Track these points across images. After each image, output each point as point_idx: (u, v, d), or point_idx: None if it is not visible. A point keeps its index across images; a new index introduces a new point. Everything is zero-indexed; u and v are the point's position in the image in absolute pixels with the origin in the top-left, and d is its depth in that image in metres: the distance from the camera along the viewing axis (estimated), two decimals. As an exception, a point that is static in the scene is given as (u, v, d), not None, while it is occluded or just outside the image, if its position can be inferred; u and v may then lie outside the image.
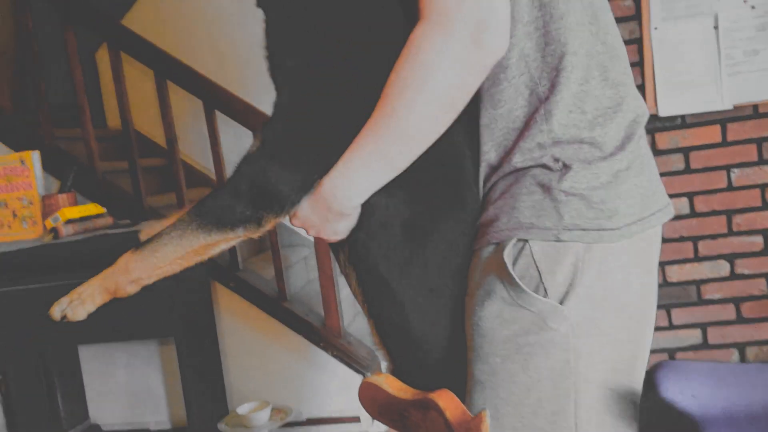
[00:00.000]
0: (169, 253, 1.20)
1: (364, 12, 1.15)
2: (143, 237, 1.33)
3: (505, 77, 1.08)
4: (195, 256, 1.21)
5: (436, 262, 1.15)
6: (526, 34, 1.06)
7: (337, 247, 1.22)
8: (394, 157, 1.06)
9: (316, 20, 1.16)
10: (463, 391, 1.12)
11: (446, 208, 1.15)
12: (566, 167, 1.04)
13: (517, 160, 1.07)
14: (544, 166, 1.06)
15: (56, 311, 1.28)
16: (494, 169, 1.11)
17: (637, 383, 1.14)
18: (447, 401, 0.81)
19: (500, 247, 1.07)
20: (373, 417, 0.98)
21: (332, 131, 1.13)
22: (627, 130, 1.08)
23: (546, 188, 1.05)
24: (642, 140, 1.12)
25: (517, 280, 1.04)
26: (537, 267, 1.04)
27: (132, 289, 1.25)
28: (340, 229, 1.15)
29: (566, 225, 1.03)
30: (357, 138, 1.06)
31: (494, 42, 0.98)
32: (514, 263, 1.05)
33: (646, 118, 1.13)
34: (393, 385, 0.91)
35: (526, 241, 1.05)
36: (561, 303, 1.04)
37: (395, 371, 1.17)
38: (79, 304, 1.27)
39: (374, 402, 0.94)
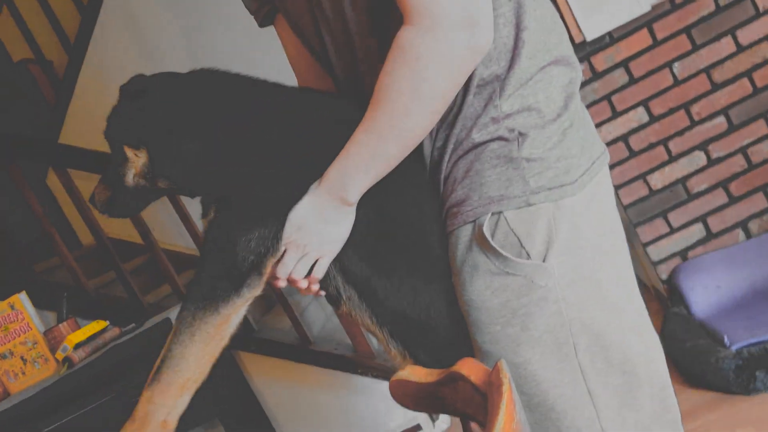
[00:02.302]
0: (191, 358, 1.16)
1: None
2: None
3: None
4: (216, 347, 1.19)
5: (417, 249, 1.20)
6: None
7: (326, 280, 1.24)
8: (393, 154, 1.11)
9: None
10: None
11: (410, 197, 1.20)
12: (522, 135, 1.10)
13: (476, 135, 1.12)
14: (501, 138, 1.11)
15: None
16: (455, 146, 1.15)
17: (632, 305, 1.19)
18: (469, 368, 0.84)
19: (477, 224, 1.12)
20: (412, 409, 1.01)
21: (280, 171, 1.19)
22: (566, 91, 1.15)
23: (507, 159, 1.11)
24: (578, 98, 1.18)
25: (500, 250, 1.09)
26: (515, 234, 1.10)
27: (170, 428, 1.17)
28: (340, 231, 1.17)
29: (533, 189, 1.09)
30: (355, 137, 1.11)
31: (483, 39, 1.03)
32: (492, 235, 1.11)
33: (580, 79, 1.19)
34: (417, 373, 0.94)
35: (500, 212, 1.10)
36: (543, 261, 1.10)
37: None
38: None
39: (407, 396, 0.97)
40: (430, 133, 1.17)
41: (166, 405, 1.16)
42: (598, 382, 1.13)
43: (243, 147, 1.22)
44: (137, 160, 1.28)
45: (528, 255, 1.10)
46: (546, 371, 1.12)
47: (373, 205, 1.19)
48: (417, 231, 1.20)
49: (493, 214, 1.11)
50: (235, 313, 1.19)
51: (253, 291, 1.19)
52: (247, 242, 1.16)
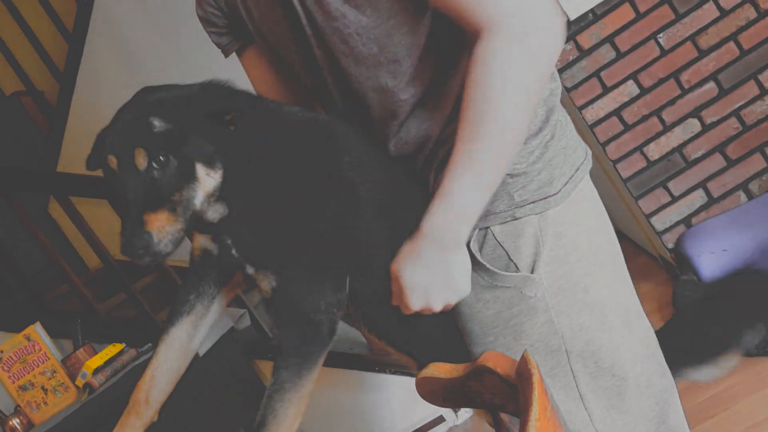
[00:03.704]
0: (297, 415, 1.17)
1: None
2: None
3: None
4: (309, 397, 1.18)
5: None
6: None
7: None
8: (501, 174, 1.05)
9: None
10: None
11: (407, 214, 1.21)
12: None
13: None
14: None
15: None
16: (442, 164, 1.16)
17: (622, 307, 1.21)
18: (494, 360, 0.86)
19: None
20: (440, 406, 1.02)
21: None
22: (548, 104, 1.16)
23: None
24: (559, 108, 1.20)
25: (487, 265, 1.13)
26: (503, 247, 1.13)
27: None
28: (459, 272, 1.10)
29: (517, 203, 1.12)
30: (457, 172, 1.03)
31: (564, 28, 1.00)
32: (480, 249, 1.14)
33: (560, 91, 1.21)
34: (443, 370, 0.95)
35: (487, 227, 1.13)
36: (531, 272, 1.12)
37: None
38: None
39: (434, 393, 0.99)
40: (420, 151, 1.19)
41: None
42: (588, 385, 1.16)
43: (302, 192, 1.19)
44: (209, 181, 1.14)
45: (516, 267, 1.13)
46: None
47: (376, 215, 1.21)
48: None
49: (480, 229, 1.14)
50: (322, 362, 1.19)
51: (334, 339, 1.19)
52: (322, 301, 1.16)
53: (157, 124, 1.12)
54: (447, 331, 1.26)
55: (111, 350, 2.87)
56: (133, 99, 1.20)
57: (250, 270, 1.21)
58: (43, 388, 2.88)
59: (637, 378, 1.18)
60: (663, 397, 1.21)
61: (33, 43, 4.13)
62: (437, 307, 1.10)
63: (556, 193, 1.13)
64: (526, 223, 1.12)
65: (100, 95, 3.88)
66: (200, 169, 1.12)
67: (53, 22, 4.11)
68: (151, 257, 1.10)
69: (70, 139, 4.10)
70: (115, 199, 3.11)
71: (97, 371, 2.74)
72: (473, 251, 1.13)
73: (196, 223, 1.18)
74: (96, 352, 2.92)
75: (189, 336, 1.31)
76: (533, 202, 1.12)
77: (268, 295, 1.20)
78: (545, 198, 1.12)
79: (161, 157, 1.10)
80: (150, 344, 2.98)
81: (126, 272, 3.31)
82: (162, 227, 1.09)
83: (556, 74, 1.22)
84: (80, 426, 2.71)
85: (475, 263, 1.13)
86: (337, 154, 1.20)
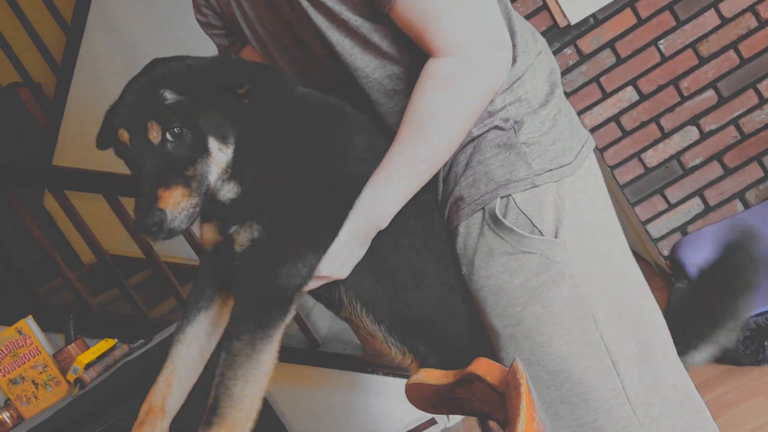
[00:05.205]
0: (255, 394, 1.08)
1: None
2: None
3: None
4: (269, 378, 1.11)
5: (415, 252, 1.23)
6: None
7: (332, 289, 1.24)
8: (428, 177, 1.17)
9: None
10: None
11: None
12: (517, 123, 1.16)
13: (474, 129, 1.17)
14: (498, 128, 1.16)
15: None
16: None
17: (636, 277, 1.23)
18: (484, 368, 0.85)
19: (488, 209, 1.16)
20: (429, 412, 1.02)
21: (317, 213, 1.16)
22: (550, 80, 1.21)
23: (507, 146, 1.15)
24: (561, 87, 1.24)
25: (514, 228, 1.13)
26: (526, 215, 1.14)
27: None
28: (363, 254, 1.19)
29: (536, 171, 1.15)
30: (392, 165, 1.13)
31: (507, 56, 1.10)
32: (504, 218, 1.15)
33: (558, 71, 1.26)
34: (433, 376, 0.95)
35: (508, 196, 1.15)
36: (555, 237, 1.14)
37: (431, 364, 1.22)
38: None
39: (424, 399, 0.98)
40: None
41: None
42: (620, 353, 1.16)
43: (308, 166, 1.17)
44: (221, 156, 1.12)
45: (541, 233, 1.14)
46: (570, 346, 1.15)
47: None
48: (414, 234, 1.23)
49: (501, 198, 1.15)
50: (280, 338, 1.12)
51: (292, 314, 1.15)
52: (301, 267, 1.12)
53: (169, 96, 1.09)
54: (443, 313, 1.25)
55: (103, 345, 2.85)
56: (143, 71, 1.17)
57: (232, 229, 1.16)
58: (33, 382, 2.87)
59: (663, 345, 1.21)
60: (684, 369, 1.23)
61: (31, 34, 4.12)
62: (334, 276, 1.17)
63: (570, 163, 1.16)
64: (546, 190, 1.15)
65: (97, 88, 3.86)
66: (213, 144, 1.10)
67: (51, 13, 4.10)
68: (166, 234, 1.06)
69: (66, 132, 4.08)
70: (110, 193, 3.10)
71: (88, 366, 2.72)
72: (499, 216, 1.14)
73: (208, 205, 1.15)
74: (88, 347, 2.91)
75: (207, 335, 1.26)
76: (551, 170, 1.15)
77: (243, 247, 1.13)
78: (561, 167, 1.16)
79: (175, 129, 1.08)
80: (142, 340, 2.97)
81: (120, 268, 3.30)
82: (177, 203, 1.05)
83: (551, 54, 1.26)
84: (71, 421, 2.69)
85: (502, 229, 1.15)
86: (347, 133, 1.21)
